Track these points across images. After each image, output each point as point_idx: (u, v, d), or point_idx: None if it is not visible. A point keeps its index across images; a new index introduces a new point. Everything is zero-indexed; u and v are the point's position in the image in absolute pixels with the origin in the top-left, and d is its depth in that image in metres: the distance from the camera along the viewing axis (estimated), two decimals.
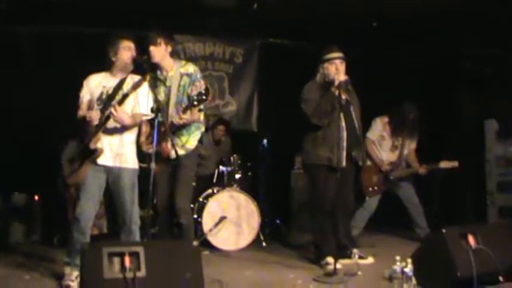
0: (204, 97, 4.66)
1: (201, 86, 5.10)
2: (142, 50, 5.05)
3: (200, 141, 5.31)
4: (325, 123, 5.53)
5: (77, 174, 4.77)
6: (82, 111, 4.90)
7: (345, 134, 5.51)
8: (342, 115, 5.48)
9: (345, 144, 5.50)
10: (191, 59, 8.44)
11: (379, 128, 6.95)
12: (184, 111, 4.90)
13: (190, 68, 5.24)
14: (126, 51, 4.81)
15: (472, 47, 7.87)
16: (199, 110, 5.01)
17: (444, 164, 6.72)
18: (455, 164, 6.68)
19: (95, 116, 4.69)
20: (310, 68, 5.79)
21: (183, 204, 5.19)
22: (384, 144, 6.94)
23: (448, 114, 8.20)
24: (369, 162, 6.71)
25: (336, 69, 5.55)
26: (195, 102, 4.71)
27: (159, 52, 5.10)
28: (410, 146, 6.99)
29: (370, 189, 6.83)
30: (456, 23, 7.23)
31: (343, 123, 5.51)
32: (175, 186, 5.23)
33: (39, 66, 7.23)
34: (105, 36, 5.04)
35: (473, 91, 8.00)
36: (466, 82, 8.11)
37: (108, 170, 4.80)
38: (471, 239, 4.29)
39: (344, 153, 5.50)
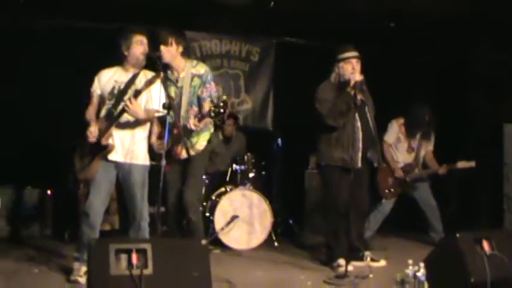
0: (221, 110, 4.50)
1: (211, 88, 5.09)
2: (156, 46, 4.99)
3: (209, 140, 5.24)
4: (341, 124, 5.45)
5: (88, 170, 4.75)
6: (92, 107, 4.90)
7: (360, 134, 5.42)
8: (357, 115, 5.40)
9: (360, 145, 5.42)
10: (207, 56, 8.44)
11: (395, 130, 6.85)
12: (200, 120, 4.78)
13: (202, 69, 5.16)
14: (139, 45, 4.77)
15: (487, 49, 7.76)
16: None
17: (462, 164, 6.59)
18: (472, 164, 6.56)
19: (93, 132, 4.70)
20: (326, 68, 5.71)
21: (191, 199, 5.13)
22: (400, 146, 6.85)
23: (464, 116, 8.08)
24: (384, 165, 6.63)
25: (352, 68, 5.46)
26: (212, 114, 4.53)
27: (170, 52, 5.02)
28: (427, 147, 6.89)
29: (387, 191, 6.72)
30: (469, 25, 7.15)
31: (359, 124, 5.43)
32: (185, 183, 5.19)
33: (52, 61, 7.21)
34: (118, 32, 4.99)
35: (489, 93, 7.87)
36: (481, 84, 7.99)
37: (118, 166, 4.78)
38: (486, 245, 4.17)
39: (359, 154, 5.42)
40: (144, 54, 4.77)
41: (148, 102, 4.79)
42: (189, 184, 5.15)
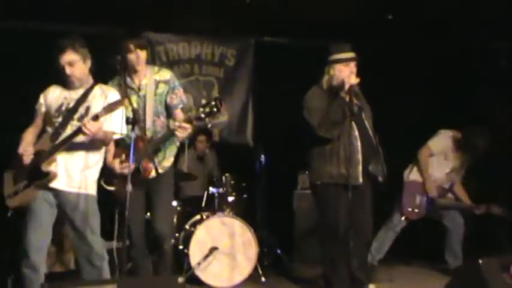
0: (215, 109, 4.55)
1: (181, 94, 5.22)
2: (114, 51, 4.95)
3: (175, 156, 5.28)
4: (335, 135, 5.36)
5: (21, 197, 4.58)
6: (34, 128, 4.81)
7: (359, 145, 5.33)
8: (353, 124, 5.33)
9: (360, 157, 5.32)
10: (174, 62, 8.48)
11: (447, 141, 6.67)
12: (188, 121, 4.75)
13: (167, 74, 5.25)
14: (68, 66, 4.63)
15: (504, 40, 7.80)
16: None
17: (496, 210, 6.56)
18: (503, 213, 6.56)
19: (28, 150, 4.58)
20: (314, 71, 5.63)
21: (166, 229, 5.18)
22: (442, 164, 6.68)
23: (477, 120, 8.07)
24: (413, 176, 6.53)
25: (351, 72, 5.38)
26: (202, 115, 4.58)
27: (132, 59, 5.05)
28: (460, 175, 6.78)
29: (410, 209, 6.57)
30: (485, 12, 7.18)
31: (356, 133, 5.34)
32: (154, 211, 5.17)
33: None
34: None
35: (502, 89, 7.87)
36: (499, 81, 7.99)
37: (62, 195, 4.60)
38: None
39: (359, 168, 5.31)
40: (73, 72, 4.64)
41: (107, 126, 4.66)
42: (160, 213, 5.16)
